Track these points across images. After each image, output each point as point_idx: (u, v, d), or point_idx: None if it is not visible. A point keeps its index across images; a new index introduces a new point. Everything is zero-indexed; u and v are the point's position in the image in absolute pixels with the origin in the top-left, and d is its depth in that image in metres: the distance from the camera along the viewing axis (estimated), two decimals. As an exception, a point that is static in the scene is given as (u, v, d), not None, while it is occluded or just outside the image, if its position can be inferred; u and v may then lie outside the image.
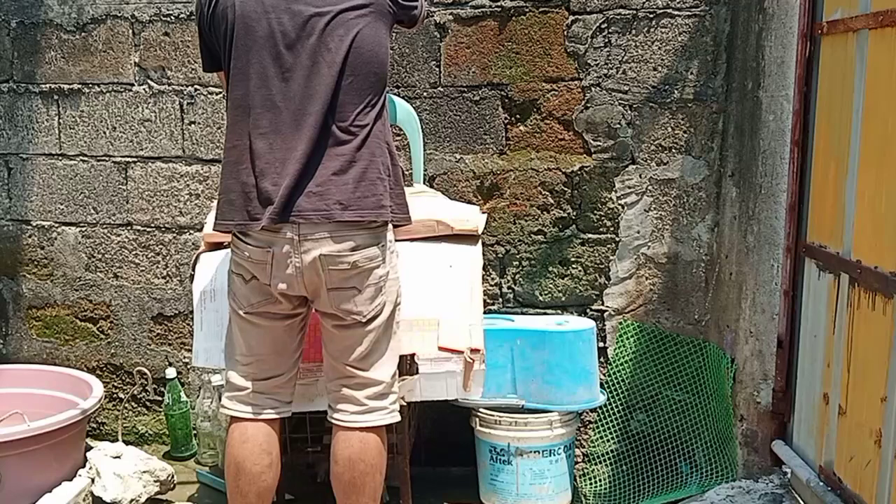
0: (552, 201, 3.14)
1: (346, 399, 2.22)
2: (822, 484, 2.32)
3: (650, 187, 3.11)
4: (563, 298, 3.18)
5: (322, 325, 2.23)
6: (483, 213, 2.96)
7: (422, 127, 3.05)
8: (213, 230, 2.26)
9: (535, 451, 2.78)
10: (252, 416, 2.26)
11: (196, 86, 3.17)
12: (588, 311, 3.18)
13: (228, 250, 2.53)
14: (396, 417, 2.26)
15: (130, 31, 3.18)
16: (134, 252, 3.30)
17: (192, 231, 3.26)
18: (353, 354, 2.19)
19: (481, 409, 2.82)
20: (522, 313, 3.14)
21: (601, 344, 3.15)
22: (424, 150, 3.08)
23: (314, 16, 2.07)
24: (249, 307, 2.20)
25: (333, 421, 2.24)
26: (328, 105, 2.06)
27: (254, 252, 2.13)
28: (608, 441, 3.15)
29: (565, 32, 3.05)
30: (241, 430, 2.26)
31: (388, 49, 2.17)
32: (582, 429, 3.17)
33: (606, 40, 3.04)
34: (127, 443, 3.11)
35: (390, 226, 2.21)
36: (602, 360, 3.15)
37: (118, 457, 2.87)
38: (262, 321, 2.21)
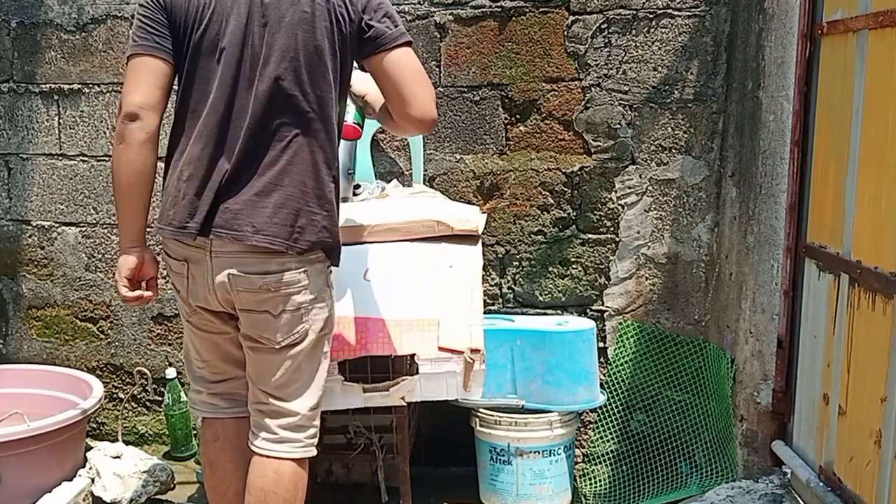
0: (552, 201, 3.14)
1: (262, 426, 2.12)
2: (822, 484, 2.32)
3: (650, 187, 3.11)
4: (563, 299, 3.18)
5: (243, 344, 2.14)
6: (483, 213, 2.96)
7: (422, 127, 3.06)
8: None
9: (535, 452, 2.78)
10: (219, 415, 2.23)
11: (196, 86, 3.17)
12: (588, 311, 3.18)
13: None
14: (311, 453, 2.14)
15: (131, 31, 3.17)
16: (134, 252, 3.30)
17: (192, 231, 3.25)
18: (268, 380, 2.09)
19: (481, 410, 2.82)
20: (522, 313, 3.14)
21: (601, 344, 3.16)
22: (424, 150, 3.08)
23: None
24: (187, 315, 2.15)
25: (251, 447, 2.14)
26: (261, 123, 1.95)
27: (173, 264, 2.08)
28: (608, 441, 3.15)
29: (565, 32, 3.05)
30: (212, 430, 2.24)
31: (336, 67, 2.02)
32: (582, 429, 3.17)
33: (606, 40, 3.04)
34: (127, 443, 3.11)
35: (323, 254, 2.09)
36: (602, 360, 3.15)
37: (118, 457, 2.87)
38: (200, 332, 2.16)
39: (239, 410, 2.22)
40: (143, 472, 2.86)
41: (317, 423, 2.17)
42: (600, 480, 3.14)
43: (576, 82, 3.07)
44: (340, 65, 2.02)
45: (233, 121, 1.96)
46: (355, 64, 2.12)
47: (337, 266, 2.16)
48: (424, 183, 3.09)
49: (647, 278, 3.16)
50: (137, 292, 2.10)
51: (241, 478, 2.17)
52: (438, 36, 3.08)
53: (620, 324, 3.18)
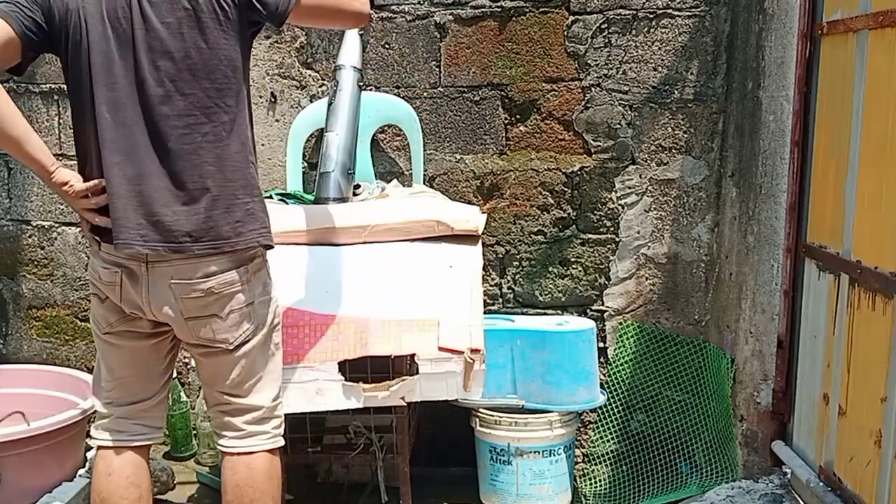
0: (552, 201, 3.14)
1: (226, 426, 2.11)
2: (822, 484, 2.31)
3: (650, 187, 3.11)
4: (563, 299, 3.18)
5: (191, 354, 2.10)
6: (483, 213, 2.95)
7: (422, 127, 3.06)
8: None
9: (535, 452, 2.78)
10: (115, 444, 2.11)
11: (196, 86, 3.17)
12: (588, 311, 3.18)
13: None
14: (279, 443, 2.15)
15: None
16: (134, 252, 3.30)
17: (192, 231, 3.25)
18: (225, 382, 2.07)
19: (481, 410, 2.82)
20: (522, 313, 3.14)
21: (601, 344, 3.16)
22: (424, 150, 3.08)
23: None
24: (108, 327, 2.06)
25: (219, 447, 2.14)
26: (165, 125, 1.90)
27: (103, 273, 2.01)
28: (608, 441, 3.15)
29: (565, 33, 3.05)
30: (105, 462, 2.11)
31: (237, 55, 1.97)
32: (582, 429, 3.17)
33: (606, 40, 3.04)
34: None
35: (261, 248, 2.06)
36: (602, 360, 3.15)
37: (118, 457, 2.87)
38: (122, 341, 2.07)
39: (143, 438, 2.14)
40: (143, 472, 2.85)
41: (280, 412, 2.18)
42: (600, 480, 3.14)
43: (576, 82, 3.07)
44: (233, 50, 1.94)
45: (135, 126, 1.90)
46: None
47: (272, 248, 2.11)
48: (424, 183, 3.09)
49: (647, 278, 3.16)
50: (95, 199, 1.97)
51: None
52: (438, 36, 3.08)
53: (620, 324, 3.18)
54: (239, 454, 2.10)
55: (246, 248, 1.99)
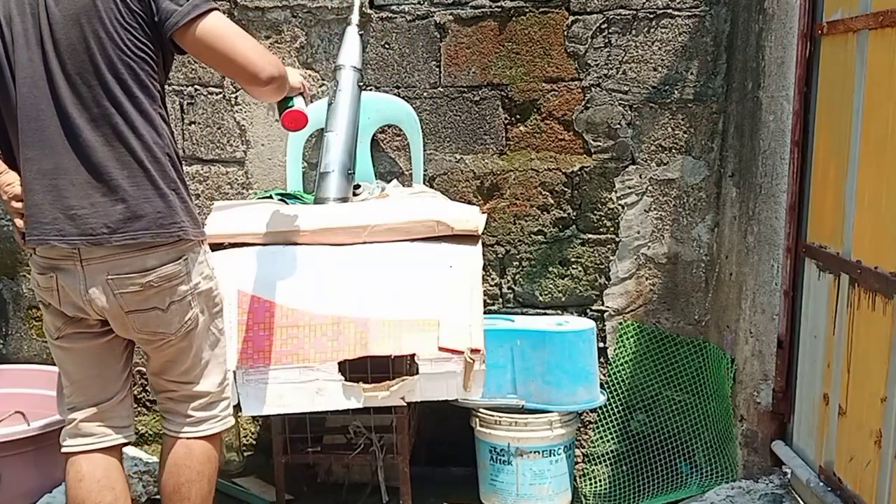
0: (552, 201, 3.14)
1: (175, 412, 2.13)
2: (822, 484, 2.32)
3: (650, 188, 3.11)
4: (563, 299, 3.18)
5: (138, 345, 2.11)
6: (483, 213, 2.95)
7: (422, 127, 3.06)
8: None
9: (535, 452, 2.78)
10: (83, 449, 2.07)
11: (196, 86, 3.17)
12: (588, 311, 3.18)
13: (227, 251, 2.54)
14: (229, 423, 2.18)
15: None
16: (134, 252, 3.29)
17: (192, 231, 3.25)
18: (172, 370, 2.10)
19: (481, 410, 2.82)
20: (522, 313, 3.14)
21: (601, 344, 3.16)
22: (424, 150, 3.08)
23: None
24: (57, 332, 2.05)
25: (165, 432, 2.15)
26: (76, 119, 1.88)
27: (40, 279, 2.00)
28: (608, 441, 3.15)
29: (565, 33, 3.05)
30: (75, 468, 2.07)
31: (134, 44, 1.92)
32: (582, 429, 3.17)
33: (606, 40, 3.04)
34: (126, 443, 3.10)
35: (192, 235, 2.03)
36: (602, 360, 3.15)
37: (118, 457, 2.87)
38: (74, 344, 2.05)
39: (109, 440, 2.11)
40: (143, 472, 2.86)
41: (227, 394, 2.21)
42: (600, 480, 3.14)
43: (576, 82, 3.07)
44: (137, 41, 1.91)
45: (48, 120, 1.89)
46: None
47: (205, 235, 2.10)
48: (424, 183, 3.09)
49: (647, 278, 3.16)
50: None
51: None
52: (438, 36, 3.08)
53: (620, 324, 3.18)
54: (186, 439, 2.13)
55: (168, 240, 1.97)
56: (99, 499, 2.06)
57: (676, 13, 3.02)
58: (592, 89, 3.07)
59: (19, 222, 1.98)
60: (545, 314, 3.13)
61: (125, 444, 2.16)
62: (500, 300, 3.20)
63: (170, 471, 2.12)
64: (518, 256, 3.17)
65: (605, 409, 3.12)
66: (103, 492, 2.06)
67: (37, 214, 1.92)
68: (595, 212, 3.13)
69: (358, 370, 2.42)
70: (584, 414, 3.13)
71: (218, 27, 1.91)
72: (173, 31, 1.89)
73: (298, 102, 2.23)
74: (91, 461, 2.08)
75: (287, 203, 2.80)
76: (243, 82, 2.01)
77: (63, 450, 2.10)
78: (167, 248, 1.98)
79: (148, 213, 1.93)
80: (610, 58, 3.05)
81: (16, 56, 1.89)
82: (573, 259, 3.16)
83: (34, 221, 1.92)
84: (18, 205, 1.97)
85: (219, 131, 3.17)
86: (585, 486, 3.13)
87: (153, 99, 1.96)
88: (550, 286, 3.18)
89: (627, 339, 3.16)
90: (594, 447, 3.17)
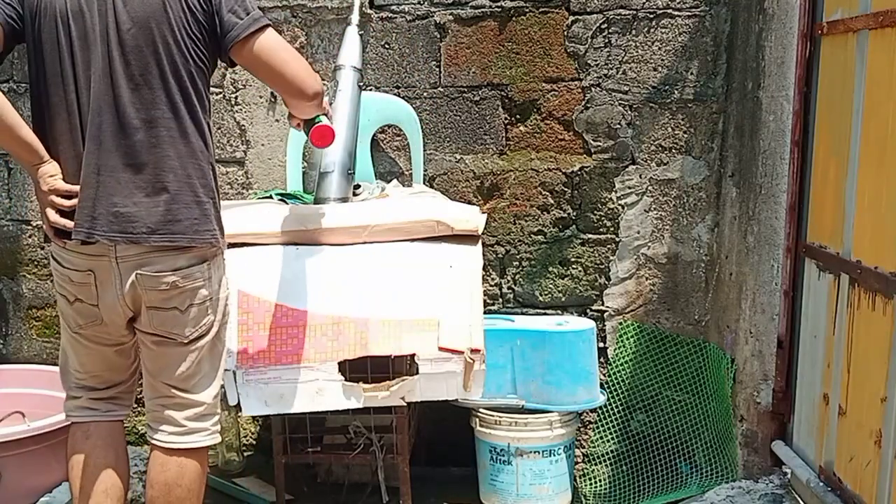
0: (552, 201, 3.14)
1: (166, 420, 2.12)
2: (822, 484, 2.32)
3: (650, 187, 3.11)
4: (563, 299, 3.18)
5: (141, 341, 2.11)
6: (483, 213, 2.95)
7: (422, 127, 3.06)
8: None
9: (535, 452, 2.78)
10: (90, 420, 2.16)
11: (196, 86, 3.17)
12: (588, 311, 3.18)
13: (228, 251, 2.54)
14: (216, 439, 2.17)
15: None
16: (134, 252, 3.29)
17: (192, 231, 3.25)
18: (173, 373, 2.09)
19: (481, 410, 2.82)
20: (522, 313, 3.14)
21: (601, 344, 3.15)
22: (424, 150, 3.08)
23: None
24: (77, 327, 2.09)
25: (153, 441, 2.14)
26: (127, 118, 1.93)
27: (74, 275, 2.02)
28: (608, 441, 3.15)
29: (565, 32, 3.05)
30: (83, 429, 2.16)
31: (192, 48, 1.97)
32: (582, 429, 3.17)
33: (606, 40, 3.04)
34: (127, 443, 3.10)
35: (221, 244, 2.08)
36: (602, 360, 3.15)
37: (118, 457, 2.86)
38: (90, 343, 2.10)
39: (115, 414, 2.19)
40: (143, 472, 2.85)
41: (219, 409, 2.20)
42: (600, 480, 3.14)
43: (576, 82, 3.07)
44: (200, 51, 1.97)
45: (104, 117, 1.92)
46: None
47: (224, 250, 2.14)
48: (424, 183, 3.09)
49: (647, 278, 3.16)
50: (68, 202, 1.97)
51: (110, 476, 2.14)
52: (438, 36, 3.08)
53: (620, 324, 3.18)
54: (174, 451, 2.11)
55: (201, 245, 2.01)
56: (103, 454, 2.13)
57: (676, 13, 3.02)
58: (592, 89, 3.07)
59: (55, 217, 1.97)
60: (545, 314, 3.13)
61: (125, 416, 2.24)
62: (500, 300, 3.20)
63: (160, 490, 2.11)
64: (518, 256, 3.17)
65: (605, 409, 3.12)
66: (108, 450, 2.15)
67: (83, 208, 1.94)
68: (595, 212, 3.13)
69: (358, 370, 2.42)
70: (584, 414, 3.13)
71: (273, 42, 1.99)
72: (233, 44, 1.95)
73: (324, 118, 2.26)
74: (98, 425, 2.17)
75: (287, 203, 2.80)
76: (289, 96, 2.07)
77: (69, 418, 2.18)
78: (197, 252, 2.02)
79: (186, 217, 1.97)
80: (610, 58, 3.05)
81: (78, 51, 1.92)
82: (573, 259, 3.16)
83: (86, 216, 1.94)
84: (60, 200, 1.97)
85: (219, 131, 3.17)
86: (585, 486, 3.13)
87: (205, 109, 2.02)
88: (550, 286, 3.18)
89: (627, 339, 3.16)
90: (594, 447, 3.17)
